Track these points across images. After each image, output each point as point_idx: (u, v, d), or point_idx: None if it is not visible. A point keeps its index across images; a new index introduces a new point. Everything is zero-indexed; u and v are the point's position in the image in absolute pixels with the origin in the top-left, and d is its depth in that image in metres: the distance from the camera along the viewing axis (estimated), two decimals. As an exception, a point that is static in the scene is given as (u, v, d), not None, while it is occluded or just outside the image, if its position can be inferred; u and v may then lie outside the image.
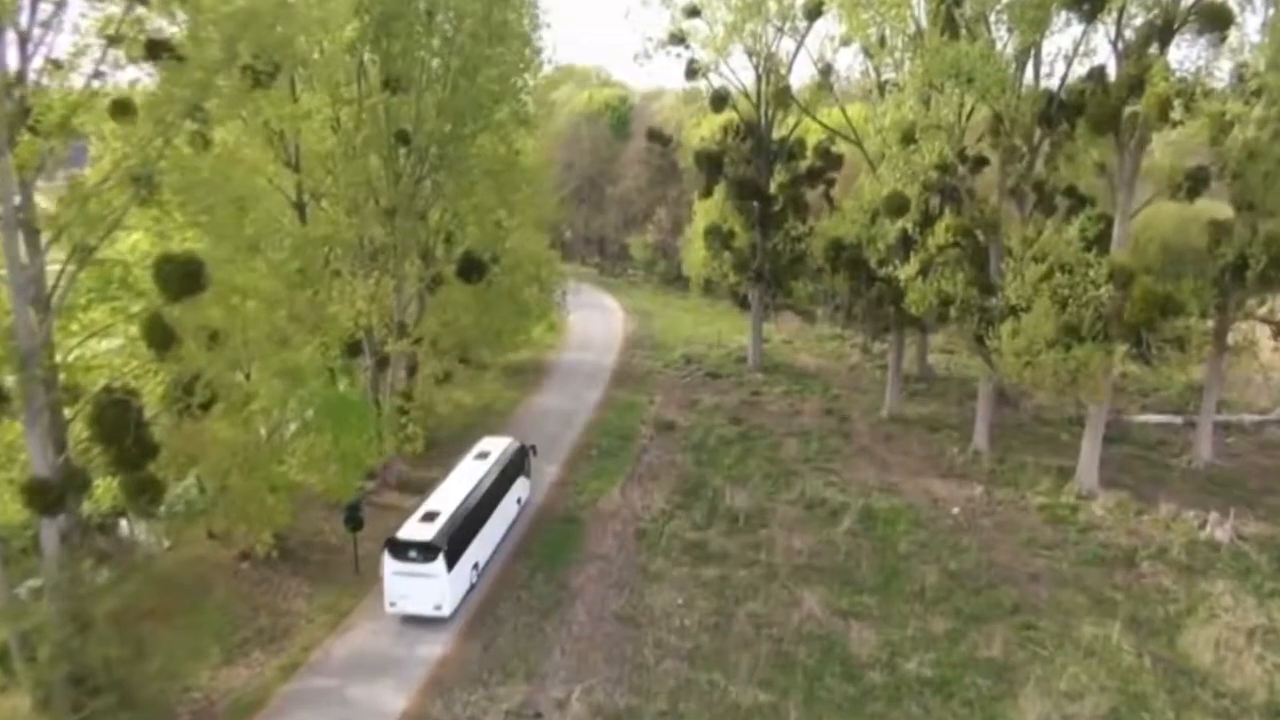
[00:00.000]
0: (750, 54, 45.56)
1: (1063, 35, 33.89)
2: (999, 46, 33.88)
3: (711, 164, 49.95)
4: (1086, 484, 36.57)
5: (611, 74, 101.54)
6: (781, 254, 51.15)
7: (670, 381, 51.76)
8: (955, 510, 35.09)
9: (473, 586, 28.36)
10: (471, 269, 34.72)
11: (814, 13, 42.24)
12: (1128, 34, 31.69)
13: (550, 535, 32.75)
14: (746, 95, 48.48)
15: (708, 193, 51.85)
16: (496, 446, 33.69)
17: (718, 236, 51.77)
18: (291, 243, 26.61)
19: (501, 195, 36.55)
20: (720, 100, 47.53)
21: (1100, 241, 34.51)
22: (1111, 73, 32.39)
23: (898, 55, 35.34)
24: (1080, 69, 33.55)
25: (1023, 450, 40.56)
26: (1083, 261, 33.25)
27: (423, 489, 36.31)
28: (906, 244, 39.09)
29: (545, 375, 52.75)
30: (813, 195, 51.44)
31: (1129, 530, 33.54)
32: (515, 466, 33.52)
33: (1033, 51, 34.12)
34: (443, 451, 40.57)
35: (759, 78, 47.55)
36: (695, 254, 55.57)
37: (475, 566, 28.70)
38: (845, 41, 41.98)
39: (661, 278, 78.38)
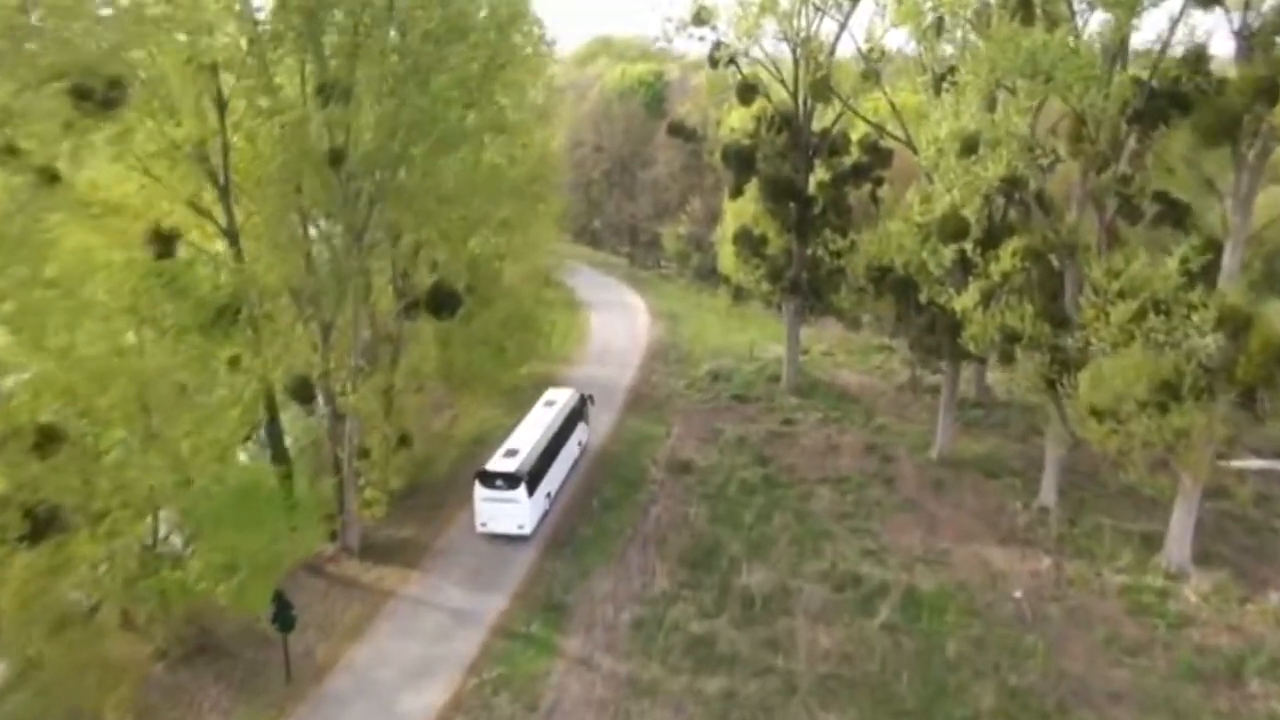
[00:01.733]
0: (784, 37, 39.33)
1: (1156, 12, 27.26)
2: (1084, 34, 27.61)
3: (741, 160, 43.98)
4: (1176, 559, 30.54)
5: (655, 44, 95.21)
6: (821, 263, 45.17)
7: (692, 406, 46.24)
8: (1017, 594, 29.28)
9: (547, 512, 33.98)
10: (442, 303, 29.46)
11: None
12: (1251, 18, 25.25)
13: (529, 625, 27.73)
14: (782, 82, 42.31)
15: (737, 192, 45.93)
16: (561, 396, 39.19)
17: (748, 242, 45.95)
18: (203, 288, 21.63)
19: (482, 215, 31.13)
20: (749, 91, 41.39)
21: (1206, 274, 28.11)
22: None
23: (956, 46, 29.04)
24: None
25: (1098, 506, 34.50)
26: (1183, 301, 27.05)
27: (394, 554, 31.68)
28: (964, 266, 32.97)
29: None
30: (858, 196, 45.23)
31: (1231, 627, 27.59)
32: (576, 414, 39.08)
33: (1124, 39, 27.81)
34: (425, 500, 35.79)
35: (796, 63, 41.34)
36: (726, 258, 49.76)
37: (548, 495, 34.37)
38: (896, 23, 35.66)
39: (695, 272, 72.44)
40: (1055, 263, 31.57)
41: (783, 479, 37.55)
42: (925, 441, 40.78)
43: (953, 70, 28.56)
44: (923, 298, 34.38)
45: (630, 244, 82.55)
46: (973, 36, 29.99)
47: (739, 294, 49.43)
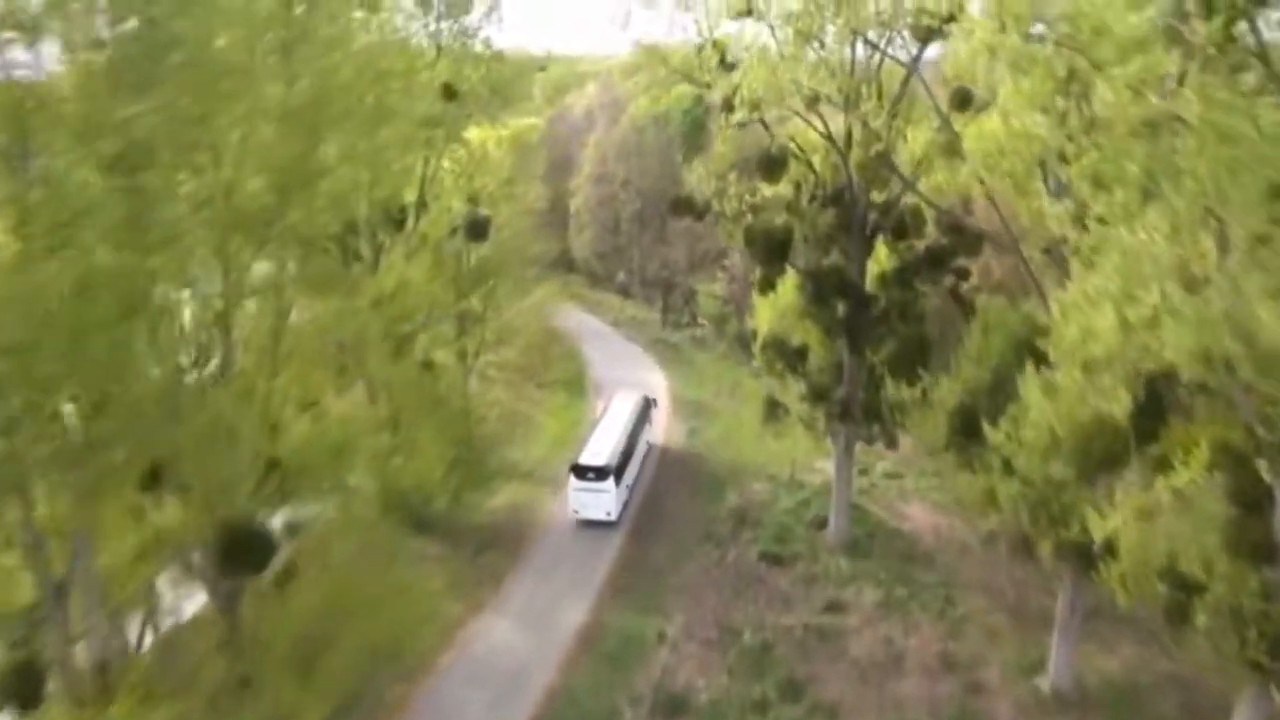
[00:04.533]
0: (818, 98, 26.81)
1: None
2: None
3: (772, 247, 31.99)
4: None
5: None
6: (881, 382, 33.08)
7: (705, 574, 34.26)
8: None
9: (627, 502, 38.50)
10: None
11: (928, 34, 23.48)
12: None
13: None
14: (828, 138, 30.11)
15: (768, 285, 34.00)
16: (629, 399, 43.70)
17: (783, 353, 34.01)
18: None
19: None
20: (776, 165, 29.25)
21: None
22: None
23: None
24: None
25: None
26: None
27: None
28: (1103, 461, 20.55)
29: (520, 556, 35.91)
30: (935, 292, 33.00)
31: None
32: (644, 415, 43.61)
33: None
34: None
35: (848, 114, 29.08)
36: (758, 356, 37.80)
37: (628, 486, 38.98)
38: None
39: (733, 340, 60.28)
40: (1264, 471, 19.06)
41: (819, 733, 25.70)
42: (1032, 657, 28.42)
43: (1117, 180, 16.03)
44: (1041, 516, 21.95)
45: (663, 300, 70.77)
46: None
47: (773, 411, 37.32)
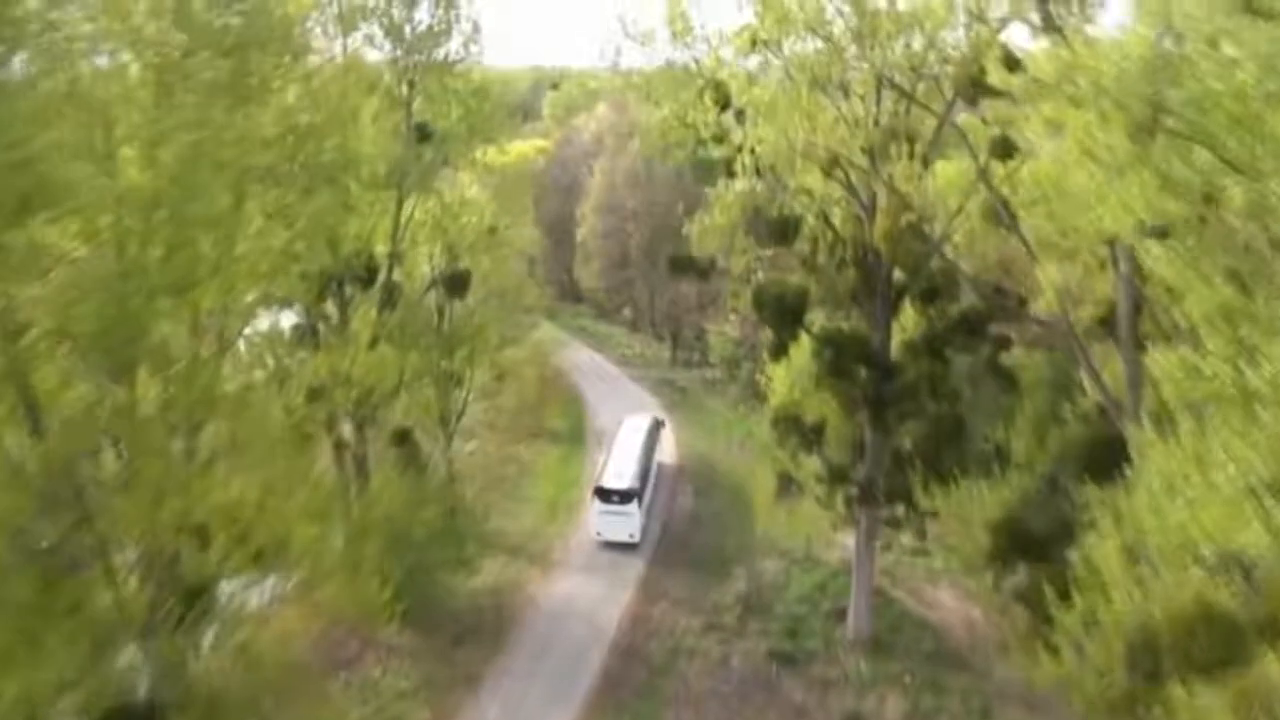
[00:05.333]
0: (842, 168, 22.78)
1: None
2: None
3: (785, 311, 28.11)
4: None
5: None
6: (909, 463, 29.11)
7: (706, 680, 30.17)
8: None
9: (645, 523, 38.70)
10: None
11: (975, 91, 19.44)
12: None
13: None
14: (849, 189, 26.20)
15: (780, 351, 30.11)
16: (642, 422, 45.21)
17: (795, 429, 30.10)
18: None
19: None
20: (788, 230, 25.28)
21: None
22: None
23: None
24: None
25: None
26: None
27: None
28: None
29: (502, 649, 31.81)
30: (971, 362, 29.07)
31: None
32: (655, 436, 44.79)
33: None
34: None
35: (873, 177, 25.10)
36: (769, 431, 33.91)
37: (646, 509, 39.33)
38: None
39: (746, 385, 56.24)
40: None
41: None
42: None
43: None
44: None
45: (673, 337, 66.87)
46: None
47: (786, 486, 33.37)
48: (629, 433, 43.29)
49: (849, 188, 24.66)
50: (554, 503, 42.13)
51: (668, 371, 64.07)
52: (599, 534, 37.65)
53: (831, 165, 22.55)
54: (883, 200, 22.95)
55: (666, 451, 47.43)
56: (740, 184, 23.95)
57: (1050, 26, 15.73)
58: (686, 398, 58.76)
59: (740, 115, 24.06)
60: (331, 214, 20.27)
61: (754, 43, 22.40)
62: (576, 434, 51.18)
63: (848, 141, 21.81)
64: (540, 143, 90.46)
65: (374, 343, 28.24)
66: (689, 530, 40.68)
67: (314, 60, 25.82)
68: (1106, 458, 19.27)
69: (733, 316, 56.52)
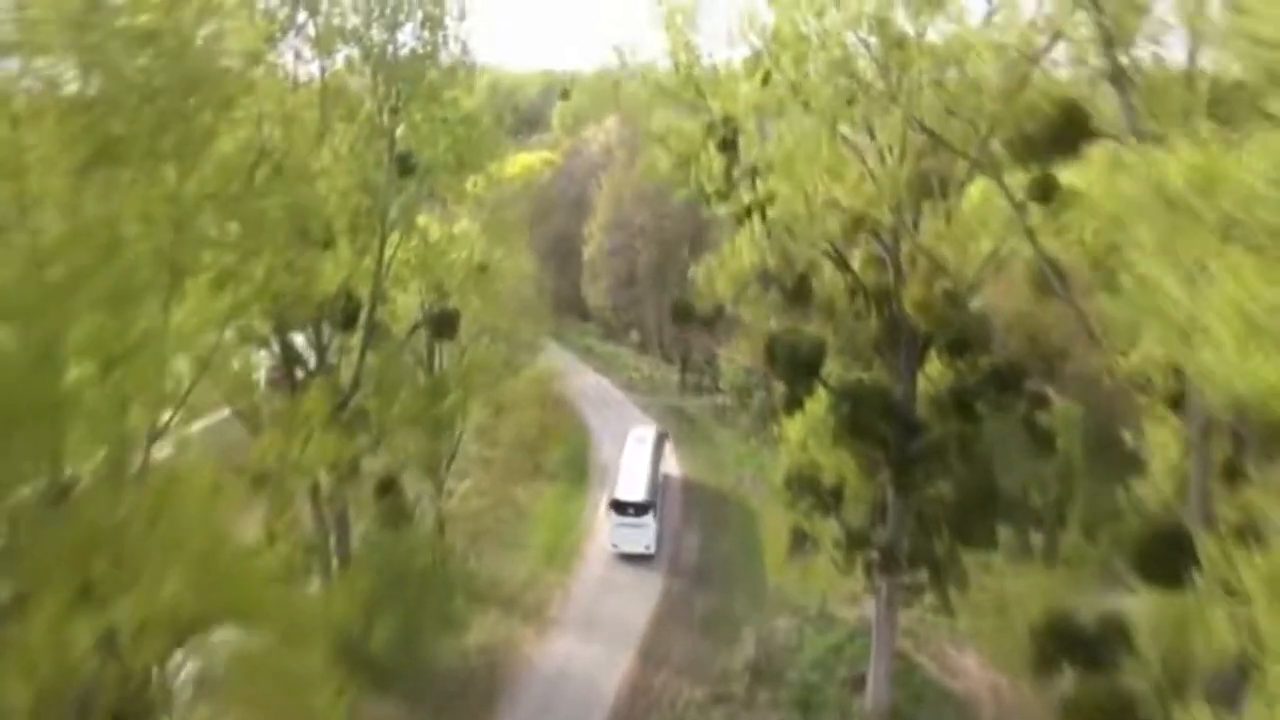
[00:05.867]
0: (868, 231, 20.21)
1: None
2: None
3: (798, 363, 25.62)
4: None
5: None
6: (935, 528, 26.59)
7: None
8: None
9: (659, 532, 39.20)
10: None
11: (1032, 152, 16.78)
12: None
13: None
14: (875, 236, 23.67)
15: (794, 405, 27.60)
16: (648, 433, 46.39)
17: (810, 489, 27.61)
18: None
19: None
20: (797, 294, 22.75)
21: None
22: None
23: None
24: None
25: None
26: None
27: None
28: None
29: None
30: (1004, 421, 26.44)
31: None
32: (659, 447, 45.31)
33: None
34: None
35: (901, 239, 22.52)
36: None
37: (659, 518, 39.66)
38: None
39: (757, 416, 53.64)
40: None
41: None
42: None
43: None
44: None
45: (681, 362, 64.35)
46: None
47: (800, 542, 30.87)
48: (637, 443, 44.22)
49: (876, 242, 22.03)
50: (552, 549, 39.69)
51: (676, 398, 61.55)
52: (615, 546, 38.40)
53: (855, 227, 20.05)
54: (909, 258, 20.37)
55: (673, 488, 46.08)
56: (749, 240, 21.45)
57: (1119, 76, 13.15)
58: (695, 428, 56.22)
59: (753, 172, 21.48)
60: (284, 272, 17.91)
61: (766, 80, 19.92)
62: (578, 467, 48.73)
63: (875, 200, 19.24)
64: (547, 154, 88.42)
65: (343, 404, 25.85)
66: (694, 583, 38.09)
67: (277, 89, 23.68)
68: (1168, 556, 16.72)
69: (744, 342, 53.98)
